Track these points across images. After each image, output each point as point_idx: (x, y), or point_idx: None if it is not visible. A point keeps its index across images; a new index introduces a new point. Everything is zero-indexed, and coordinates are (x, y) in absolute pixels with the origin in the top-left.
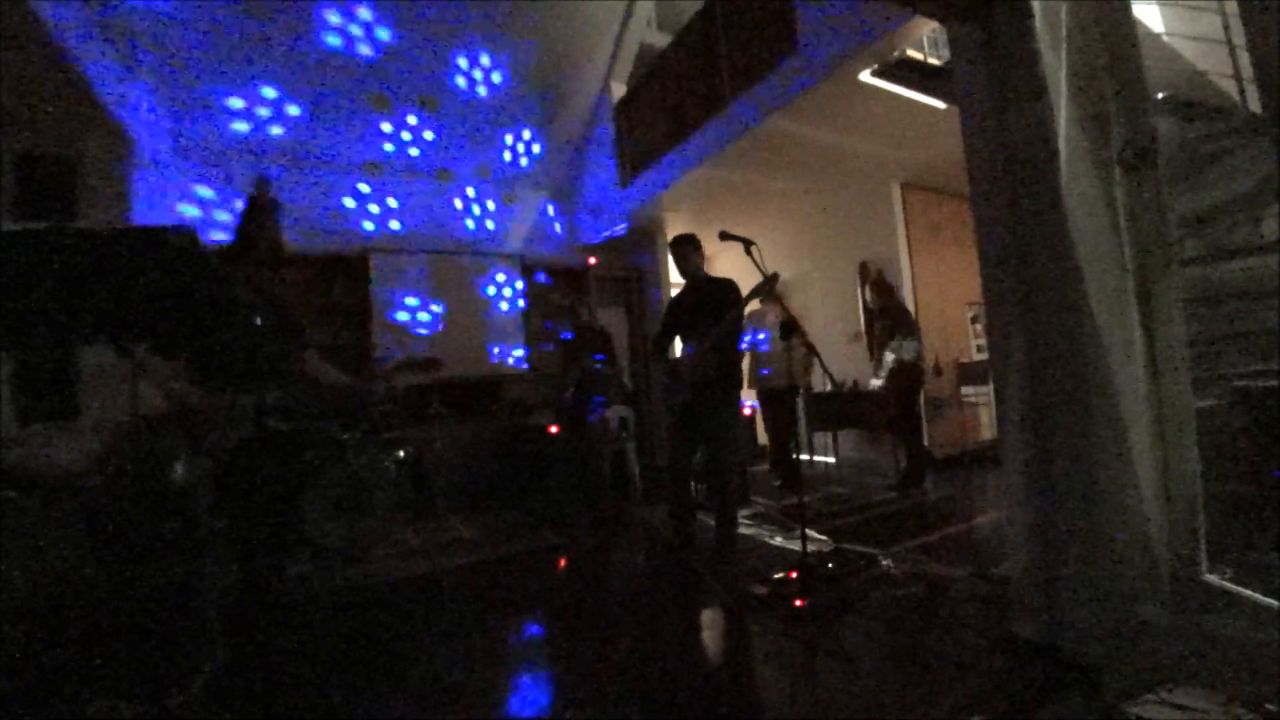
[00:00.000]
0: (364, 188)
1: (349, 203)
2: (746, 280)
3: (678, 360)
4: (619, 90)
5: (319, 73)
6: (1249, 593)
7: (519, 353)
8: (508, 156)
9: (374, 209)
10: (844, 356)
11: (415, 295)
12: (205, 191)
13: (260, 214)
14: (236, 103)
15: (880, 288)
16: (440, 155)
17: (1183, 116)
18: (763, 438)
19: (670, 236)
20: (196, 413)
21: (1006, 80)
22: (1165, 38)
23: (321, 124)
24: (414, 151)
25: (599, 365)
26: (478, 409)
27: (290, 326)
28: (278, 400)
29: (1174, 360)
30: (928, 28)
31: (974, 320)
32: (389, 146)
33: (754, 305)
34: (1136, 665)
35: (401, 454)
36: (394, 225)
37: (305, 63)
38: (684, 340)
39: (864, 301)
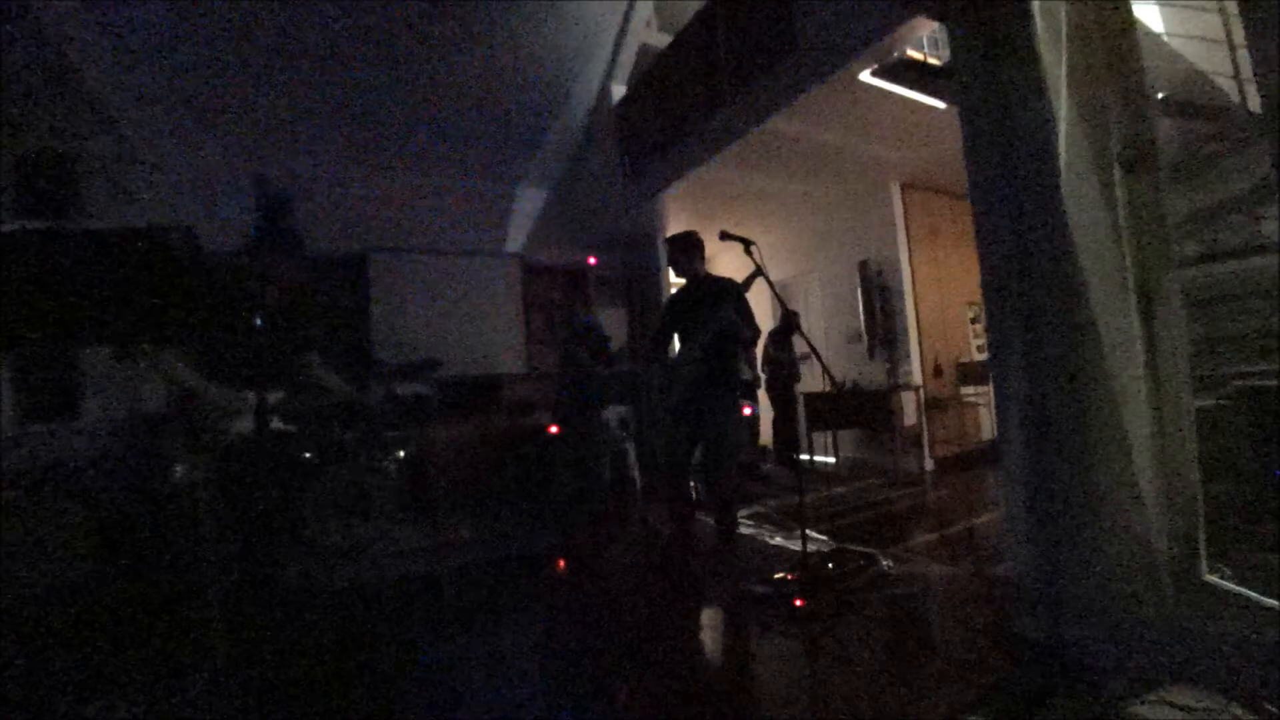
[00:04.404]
0: (363, 186)
1: (348, 203)
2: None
3: (675, 359)
4: (619, 90)
5: (318, 71)
6: (1249, 593)
7: (518, 353)
8: (508, 156)
9: (373, 208)
10: (844, 357)
11: (414, 295)
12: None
13: (278, 211)
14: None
15: None
16: (440, 154)
17: (1183, 116)
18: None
19: (669, 236)
20: (198, 401)
21: (1006, 80)
22: (1165, 38)
23: (321, 123)
24: (414, 151)
25: (596, 365)
26: (478, 409)
27: (297, 326)
28: (279, 402)
29: (1174, 360)
30: (928, 28)
31: (974, 320)
32: (388, 145)
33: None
34: (1136, 665)
35: (401, 454)
36: (393, 225)
37: (304, 62)
38: (682, 339)
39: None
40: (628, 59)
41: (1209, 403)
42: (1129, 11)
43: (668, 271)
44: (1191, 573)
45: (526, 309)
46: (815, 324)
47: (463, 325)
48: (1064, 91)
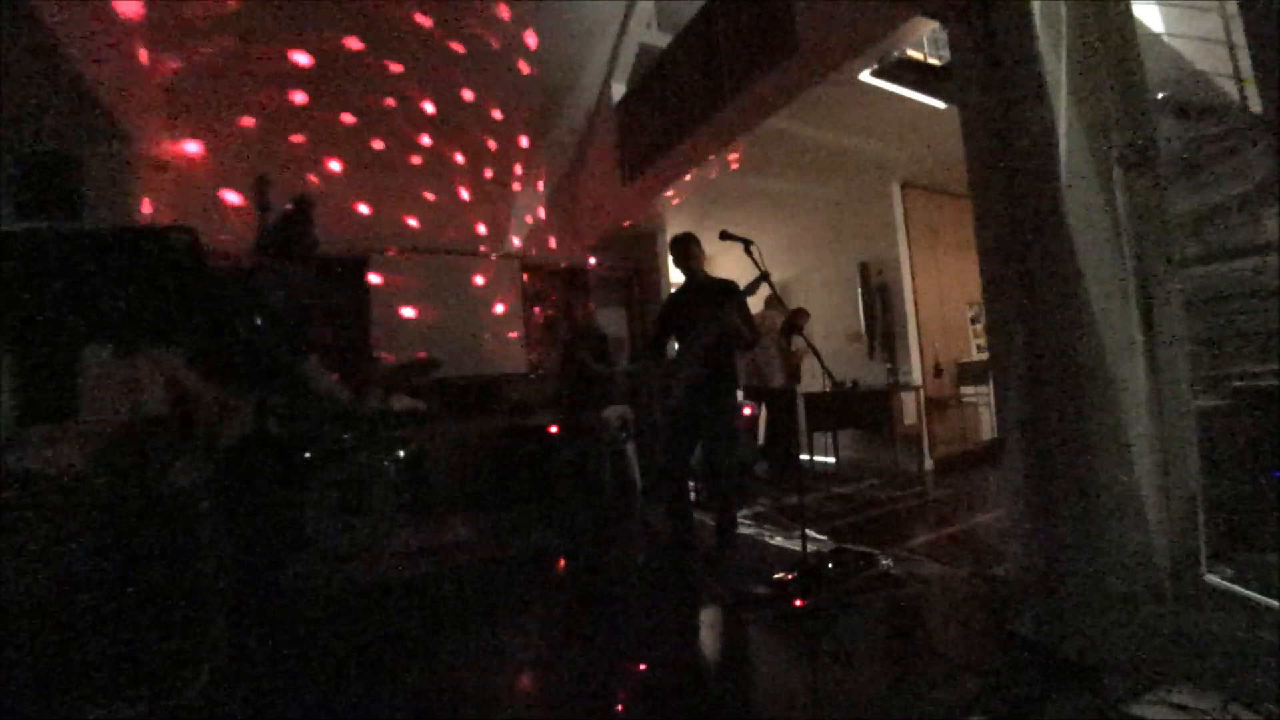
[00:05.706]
0: (363, 186)
1: (347, 203)
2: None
3: (674, 360)
4: (619, 90)
5: (318, 70)
6: (1249, 593)
7: (518, 353)
8: (508, 156)
9: (373, 208)
10: (844, 356)
11: (414, 295)
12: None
13: (304, 214)
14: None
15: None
16: (440, 154)
17: (1183, 116)
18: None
19: (670, 236)
20: (196, 402)
21: (1006, 80)
22: (1165, 38)
23: (320, 123)
24: (413, 150)
25: (596, 366)
26: (478, 409)
27: (298, 327)
28: (278, 404)
29: (1174, 360)
30: (928, 28)
31: (974, 320)
32: (388, 144)
33: (756, 309)
34: (1136, 665)
35: (401, 454)
36: (393, 225)
37: (304, 61)
38: (680, 340)
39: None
40: (628, 59)
41: (1209, 403)
42: (1129, 11)
43: (668, 271)
44: (1191, 573)
45: (526, 309)
46: (815, 324)
47: (462, 325)
48: (1064, 92)
